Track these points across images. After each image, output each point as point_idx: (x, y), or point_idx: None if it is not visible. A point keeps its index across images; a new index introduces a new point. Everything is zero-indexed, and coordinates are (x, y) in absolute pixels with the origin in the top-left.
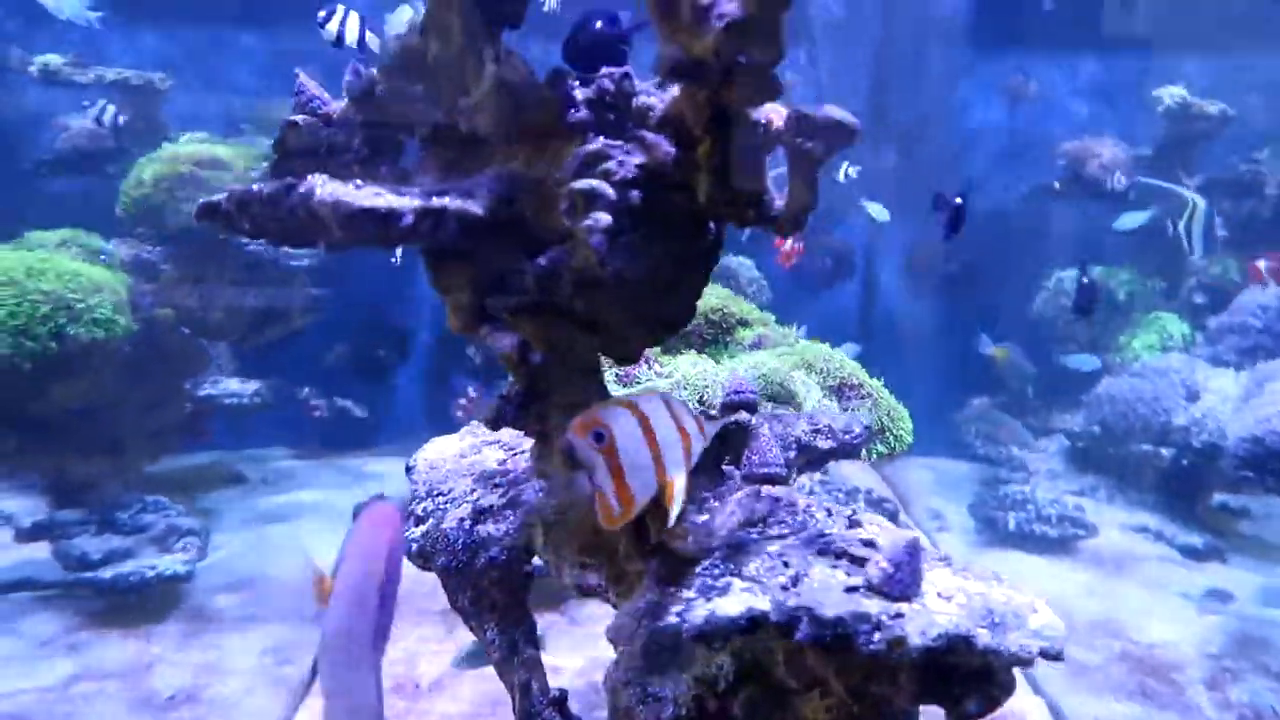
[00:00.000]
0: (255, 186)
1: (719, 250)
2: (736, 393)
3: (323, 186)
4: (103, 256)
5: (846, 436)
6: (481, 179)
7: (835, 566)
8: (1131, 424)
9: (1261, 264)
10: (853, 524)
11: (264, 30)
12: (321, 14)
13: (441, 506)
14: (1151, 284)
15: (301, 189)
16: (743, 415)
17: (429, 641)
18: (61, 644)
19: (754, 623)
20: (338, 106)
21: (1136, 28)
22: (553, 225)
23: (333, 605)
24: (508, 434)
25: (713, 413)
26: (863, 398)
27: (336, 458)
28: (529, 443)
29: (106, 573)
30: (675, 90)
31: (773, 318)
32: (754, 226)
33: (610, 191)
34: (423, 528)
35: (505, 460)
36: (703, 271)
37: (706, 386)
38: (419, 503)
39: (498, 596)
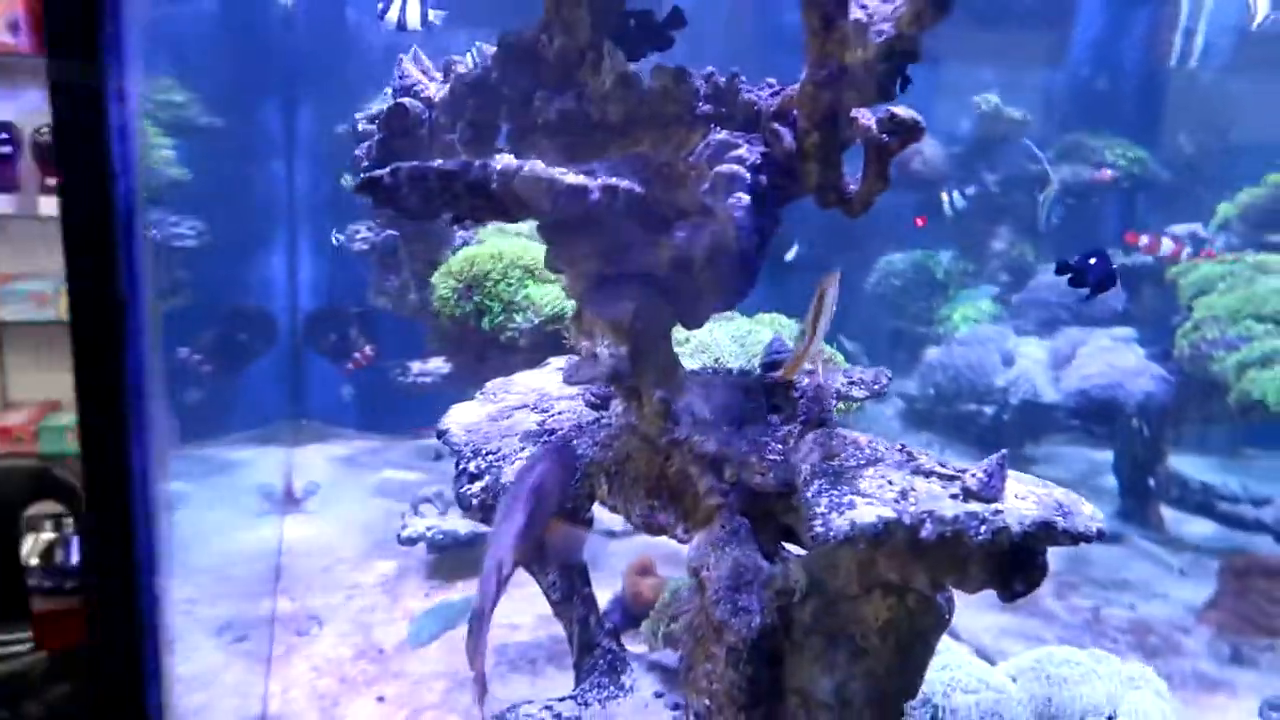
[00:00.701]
0: (435, 163)
1: (777, 228)
2: (777, 352)
3: (528, 165)
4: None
5: (876, 386)
6: (619, 162)
7: (930, 482)
8: (961, 386)
9: (1143, 238)
10: (906, 454)
11: None
12: (380, 4)
13: (494, 464)
14: (963, 265)
15: (498, 166)
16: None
17: (374, 612)
18: None
19: (888, 526)
20: (436, 91)
21: (944, 42)
22: (675, 204)
23: (500, 508)
24: (534, 398)
25: (737, 368)
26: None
27: (190, 448)
28: (564, 405)
29: None
30: (790, 89)
31: None
32: (832, 207)
33: (747, 175)
34: (480, 483)
35: (544, 421)
36: (765, 248)
37: (720, 350)
38: (468, 461)
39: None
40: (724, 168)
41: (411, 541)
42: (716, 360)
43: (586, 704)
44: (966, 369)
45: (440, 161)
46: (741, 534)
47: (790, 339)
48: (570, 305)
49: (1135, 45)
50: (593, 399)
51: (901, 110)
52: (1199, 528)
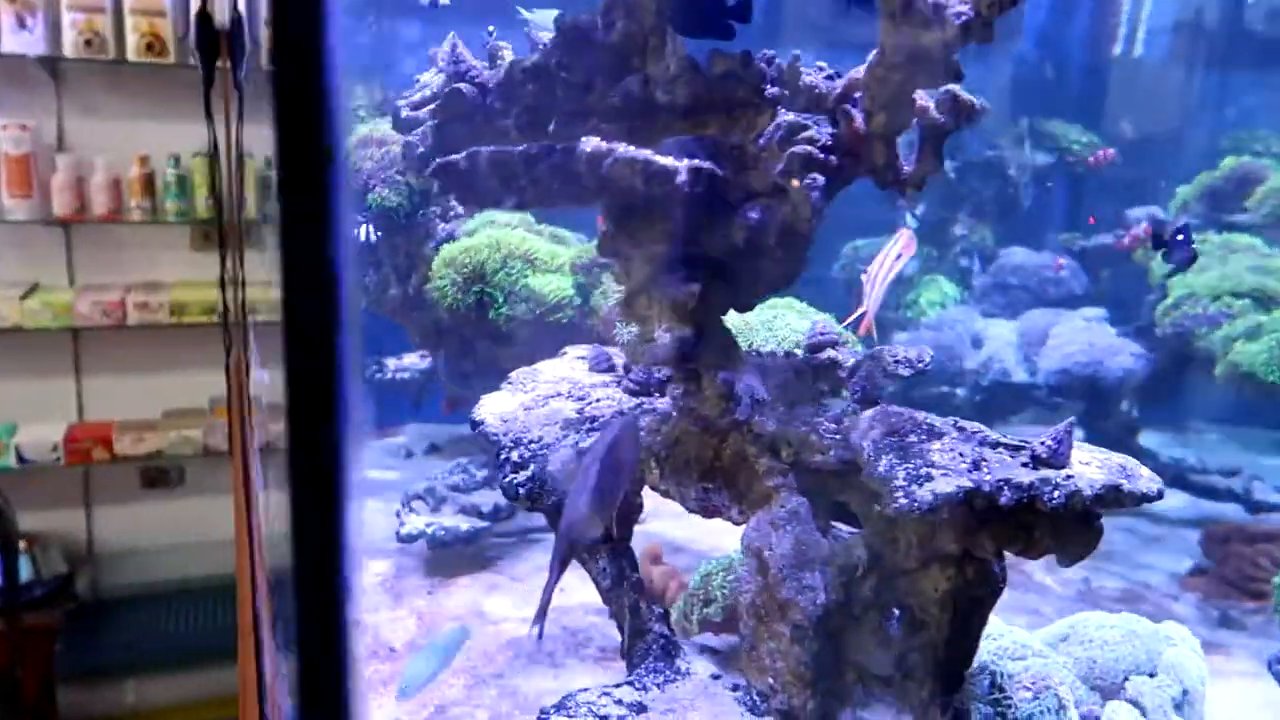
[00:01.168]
0: (514, 149)
1: (825, 207)
2: (822, 334)
3: (620, 148)
4: None
5: (920, 364)
6: (690, 144)
7: (999, 452)
8: (933, 371)
9: (1126, 239)
10: (960, 428)
11: None
12: None
13: (537, 452)
14: (926, 250)
15: (588, 149)
16: (830, 353)
17: (378, 612)
18: None
19: (969, 495)
20: (489, 76)
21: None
22: (745, 185)
23: (576, 480)
24: (566, 387)
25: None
26: None
27: None
28: (600, 392)
29: None
30: (854, 72)
31: None
32: (889, 187)
33: (821, 156)
34: (526, 472)
35: (582, 409)
36: (812, 230)
37: (753, 335)
38: (510, 450)
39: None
40: (799, 149)
41: (411, 539)
42: (750, 344)
43: (645, 688)
44: (938, 351)
45: (523, 146)
46: (802, 513)
47: (823, 323)
48: (569, 295)
49: (1081, 34)
50: (631, 385)
51: (963, 92)
52: (1172, 500)
